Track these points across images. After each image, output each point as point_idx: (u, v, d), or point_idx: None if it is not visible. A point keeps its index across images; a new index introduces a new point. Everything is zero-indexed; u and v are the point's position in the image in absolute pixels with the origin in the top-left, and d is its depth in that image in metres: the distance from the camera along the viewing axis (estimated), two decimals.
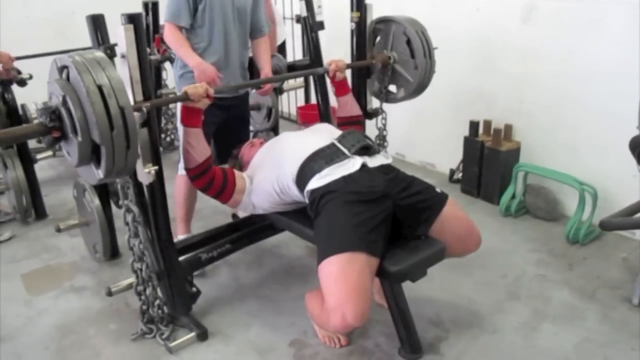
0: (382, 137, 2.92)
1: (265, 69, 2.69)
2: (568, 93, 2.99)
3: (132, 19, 1.89)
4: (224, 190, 2.18)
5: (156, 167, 1.99)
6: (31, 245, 3.07)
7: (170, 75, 4.43)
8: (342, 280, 1.77)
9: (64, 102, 1.65)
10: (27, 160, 3.27)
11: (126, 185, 2.03)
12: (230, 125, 2.76)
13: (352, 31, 2.76)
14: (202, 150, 2.11)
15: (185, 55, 2.46)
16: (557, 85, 3.03)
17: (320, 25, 3.02)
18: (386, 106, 2.91)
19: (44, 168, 4.04)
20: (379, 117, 2.88)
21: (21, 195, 3.20)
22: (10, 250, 3.02)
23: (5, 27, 4.13)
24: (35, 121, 1.75)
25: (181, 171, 2.55)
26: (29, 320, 2.40)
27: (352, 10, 2.72)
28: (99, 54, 1.73)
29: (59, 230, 2.67)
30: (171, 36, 2.49)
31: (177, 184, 2.69)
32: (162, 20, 2.88)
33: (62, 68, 1.72)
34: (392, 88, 2.88)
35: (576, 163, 3.00)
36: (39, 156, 3.52)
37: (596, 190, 2.86)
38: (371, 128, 2.89)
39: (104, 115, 1.61)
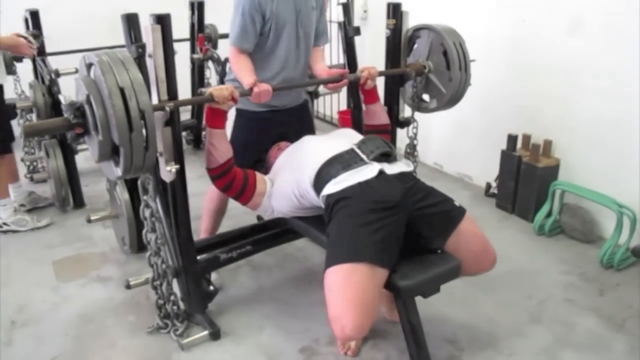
0: (412, 147, 2.87)
1: (321, 73, 2.53)
2: (613, 111, 2.85)
3: (160, 19, 1.92)
4: (243, 192, 2.20)
5: (177, 166, 2.02)
6: (66, 233, 3.19)
7: (213, 74, 4.52)
8: (342, 291, 1.75)
9: (88, 100, 1.70)
10: (68, 151, 3.39)
11: (146, 181, 2.07)
12: (290, 139, 2.51)
13: (387, 38, 2.72)
14: (224, 151, 2.13)
15: (241, 78, 2.27)
16: (602, 102, 2.90)
17: (357, 31, 3.00)
18: (425, 115, 2.84)
19: (88, 159, 4.15)
20: (410, 127, 2.83)
21: (60, 185, 3.33)
22: (47, 237, 3.15)
23: (62, 21, 4.29)
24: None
25: None
26: (53, 306, 2.49)
27: (387, 17, 2.69)
28: (125, 54, 1.78)
29: (89, 220, 2.74)
30: (232, 59, 2.34)
31: (208, 196, 2.63)
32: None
33: (89, 65, 1.77)
34: (426, 97, 2.83)
35: (617, 184, 2.86)
36: (80, 147, 3.63)
37: (635, 214, 2.72)
38: (404, 137, 2.85)
39: (123, 116, 1.65)
